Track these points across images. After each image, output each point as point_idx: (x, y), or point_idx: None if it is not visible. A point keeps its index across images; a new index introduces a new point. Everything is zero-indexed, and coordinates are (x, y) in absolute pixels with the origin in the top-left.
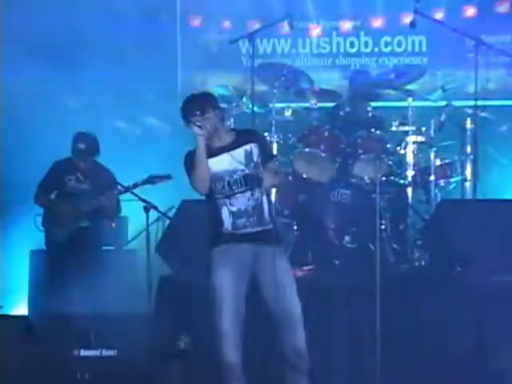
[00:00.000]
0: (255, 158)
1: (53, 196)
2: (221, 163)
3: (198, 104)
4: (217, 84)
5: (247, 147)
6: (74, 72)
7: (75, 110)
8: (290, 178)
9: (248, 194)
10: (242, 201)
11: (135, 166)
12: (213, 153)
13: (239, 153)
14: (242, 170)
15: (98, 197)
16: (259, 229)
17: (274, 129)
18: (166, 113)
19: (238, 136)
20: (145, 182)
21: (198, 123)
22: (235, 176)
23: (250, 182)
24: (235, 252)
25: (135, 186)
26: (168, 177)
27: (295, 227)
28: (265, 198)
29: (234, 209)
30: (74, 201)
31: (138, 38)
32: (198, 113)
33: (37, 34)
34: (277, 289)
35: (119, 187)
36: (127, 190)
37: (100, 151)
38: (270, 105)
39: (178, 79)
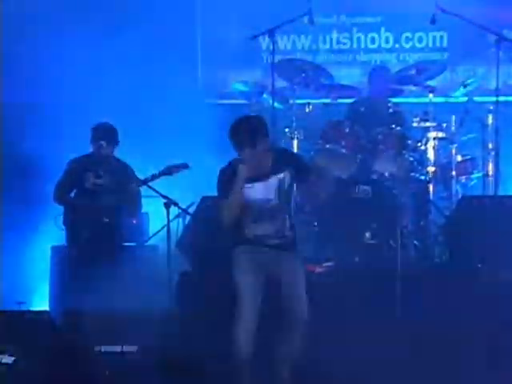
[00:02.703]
0: (286, 186)
1: (72, 194)
2: (254, 191)
3: (249, 137)
4: (237, 80)
5: (281, 176)
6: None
7: (95, 107)
8: None
9: (273, 220)
10: (266, 226)
11: (154, 163)
12: (248, 180)
13: (272, 182)
14: (272, 200)
15: (118, 192)
16: (279, 241)
17: (294, 125)
18: (186, 109)
19: (273, 162)
20: (162, 173)
21: (247, 158)
22: (265, 205)
23: (278, 211)
24: (255, 253)
25: (153, 177)
26: (185, 166)
27: (315, 223)
28: (287, 215)
29: (258, 232)
30: (94, 197)
31: (157, 35)
32: (248, 147)
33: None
34: (291, 289)
35: (137, 181)
36: (145, 182)
37: (118, 143)
38: (291, 101)
39: (198, 76)
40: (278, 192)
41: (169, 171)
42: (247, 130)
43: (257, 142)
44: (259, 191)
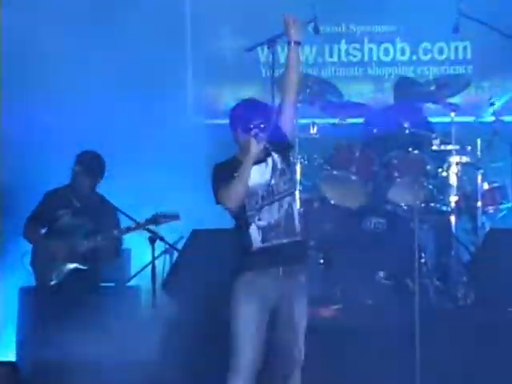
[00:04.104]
0: (279, 165)
1: (44, 231)
2: (254, 177)
3: (263, 114)
4: (232, 97)
5: (273, 155)
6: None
7: (80, 129)
8: (316, 204)
9: (276, 205)
10: (270, 214)
11: (139, 190)
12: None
13: (267, 163)
14: (270, 181)
15: (96, 236)
16: (290, 240)
17: (297, 148)
18: (174, 131)
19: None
20: (149, 222)
21: (259, 136)
22: (266, 188)
23: (278, 192)
24: (261, 282)
25: (138, 226)
26: (175, 217)
27: (321, 260)
28: (295, 208)
29: (263, 223)
30: (69, 239)
31: (142, 46)
32: (261, 125)
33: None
34: (292, 330)
35: (121, 227)
36: (129, 230)
37: (103, 175)
38: (294, 120)
39: (187, 92)
40: (273, 172)
41: (156, 220)
42: (257, 108)
43: (268, 123)
44: (259, 175)
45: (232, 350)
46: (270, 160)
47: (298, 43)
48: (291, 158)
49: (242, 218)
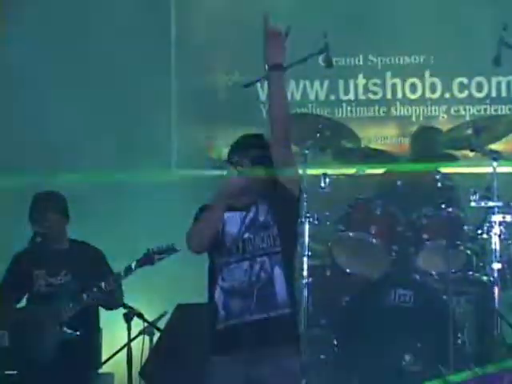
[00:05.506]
0: (262, 217)
1: (18, 305)
2: (228, 225)
3: (250, 147)
4: (226, 141)
5: (259, 204)
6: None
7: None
8: (328, 272)
9: (245, 264)
10: (236, 274)
11: (129, 238)
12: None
13: (248, 212)
14: (243, 233)
15: (83, 295)
16: (263, 316)
17: (305, 204)
18: (156, 184)
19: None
20: (142, 263)
21: (238, 168)
22: (235, 241)
23: (250, 248)
24: (223, 371)
25: (129, 270)
26: (172, 249)
27: (335, 341)
28: (276, 272)
29: (226, 285)
30: (50, 304)
31: (123, 85)
32: (244, 158)
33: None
34: None
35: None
36: (119, 278)
37: (69, 217)
38: (301, 171)
39: (171, 136)
40: (251, 223)
41: (149, 258)
42: (247, 141)
43: (255, 157)
44: (232, 223)
45: None
46: (253, 209)
47: (278, 67)
48: (289, 213)
49: (209, 275)
